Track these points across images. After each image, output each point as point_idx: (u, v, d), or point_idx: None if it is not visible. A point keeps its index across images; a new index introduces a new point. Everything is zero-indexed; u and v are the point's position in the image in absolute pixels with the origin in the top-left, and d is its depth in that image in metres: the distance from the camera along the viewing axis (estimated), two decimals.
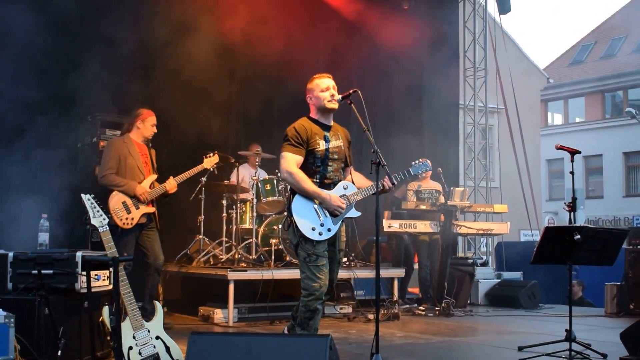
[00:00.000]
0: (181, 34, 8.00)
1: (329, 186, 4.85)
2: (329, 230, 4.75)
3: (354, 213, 4.93)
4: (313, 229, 4.70)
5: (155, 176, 6.81)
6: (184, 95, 8.34)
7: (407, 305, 9.00)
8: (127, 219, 6.55)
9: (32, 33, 6.95)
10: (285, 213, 4.89)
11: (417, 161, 5.24)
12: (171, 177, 6.83)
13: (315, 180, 4.81)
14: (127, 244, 6.58)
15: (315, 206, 4.74)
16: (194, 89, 8.37)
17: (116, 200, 6.53)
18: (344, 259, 8.10)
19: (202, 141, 8.47)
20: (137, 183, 6.59)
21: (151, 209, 6.73)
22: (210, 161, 7.27)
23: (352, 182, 4.94)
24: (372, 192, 4.83)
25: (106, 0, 8.14)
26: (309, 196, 4.74)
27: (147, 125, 6.84)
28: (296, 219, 4.71)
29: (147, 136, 6.86)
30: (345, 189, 4.88)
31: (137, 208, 6.61)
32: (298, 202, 4.75)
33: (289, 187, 5.09)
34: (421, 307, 8.75)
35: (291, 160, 4.75)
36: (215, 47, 8.26)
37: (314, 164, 4.83)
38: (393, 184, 4.84)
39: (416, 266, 9.50)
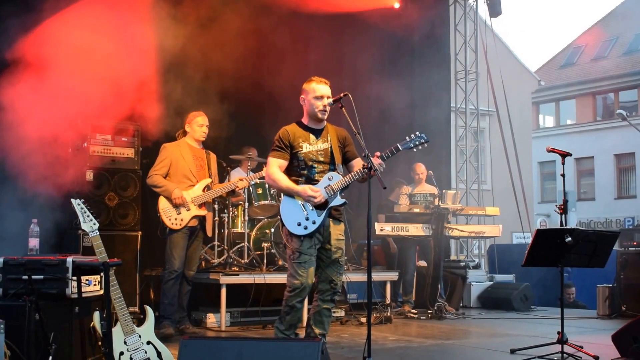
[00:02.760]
0: (172, 38, 7.97)
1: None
2: (313, 222, 4.86)
3: (338, 201, 4.98)
4: (298, 224, 4.86)
5: (208, 180, 6.83)
6: (176, 99, 8.31)
7: (399, 308, 8.99)
8: (176, 219, 6.60)
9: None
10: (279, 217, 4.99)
11: (410, 136, 5.12)
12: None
13: (301, 181, 4.95)
14: (175, 245, 6.62)
15: (300, 202, 4.88)
16: (185, 92, 8.34)
17: (166, 200, 6.60)
18: None
19: None
20: (175, 186, 6.60)
21: (202, 212, 6.73)
22: None
23: (338, 173, 5.00)
24: (357, 177, 4.91)
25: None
26: (286, 193, 4.92)
27: (194, 127, 6.86)
28: (283, 218, 4.89)
29: (198, 138, 6.87)
30: (330, 179, 4.97)
31: (189, 210, 6.62)
32: (285, 202, 4.93)
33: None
34: (414, 310, 8.74)
35: (273, 164, 4.95)
36: (206, 50, 8.24)
37: (299, 167, 4.98)
38: (384, 158, 4.84)
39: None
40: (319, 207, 4.88)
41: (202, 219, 6.82)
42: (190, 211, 6.66)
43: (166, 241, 6.73)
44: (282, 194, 5.02)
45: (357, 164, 5.14)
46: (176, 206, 6.60)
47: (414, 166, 9.31)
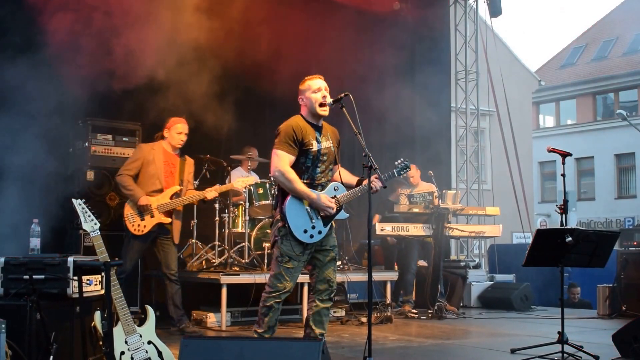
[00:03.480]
0: (172, 38, 7.97)
1: (317, 187, 4.87)
2: (319, 232, 4.79)
3: (342, 215, 4.98)
4: (305, 232, 4.75)
5: (177, 188, 6.77)
6: (176, 99, 8.31)
7: (399, 308, 9.00)
8: (139, 225, 6.60)
9: (23, 36, 6.94)
10: (274, 214, 4.93)
11: (399, 161, 5.23)
12: (217, 185, 7.02)
13: (303, 180, 4.84)
14: (130, 249, 6.62)
15: (307, 208, 4.78)
16: (186, 93, 8.35)
17: (132, 205, 6.60)
18: (337, 263, 8.10)
19: (195, 145, 8.46)
20: (143, 193, 6.59)
21: (166, 220, 6.71)
22: (243, 181, 7.29)
23: (342, 182, 4.96)
24: (361, 193, 4.87)
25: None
26: (299, 196, 4.77)
27: (172, 133, 6.83)
28: (289, 221, 4.74)
29: (175, 145, 6.84)
30: (335, 190, 4.91)
31: (152, 217, 6.62)
32: (291, 204, 4.77)
33: (276, 187, 5.12)
34: (414, 310, 8.75)
35: (284, 159, 4.77)
36: (207, 50, 8.24)
37: (304, 164, 4.85)
38: (384, 187, 4.86)
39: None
40: (325, 217, 4.82)
41: (167, 226, 6.78)
42: (153, 218, 6.64)
43: (126, 245, 6.73)
44: (286, 194, 4.81)
45: (339, 169, 5.07)
46: (140, 212, 6.60)
47: None
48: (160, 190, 6.70)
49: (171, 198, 6.71)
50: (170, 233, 6.79)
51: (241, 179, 7.33)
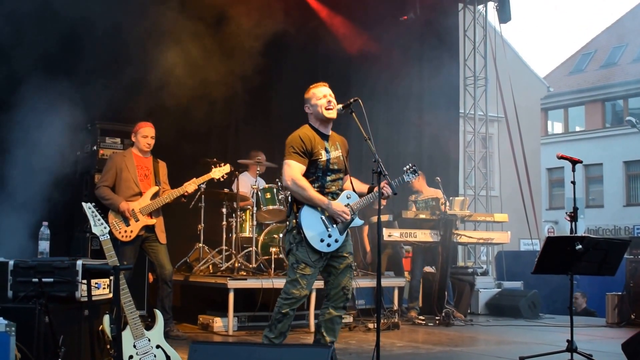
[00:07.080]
0: (179, 42, 7.99)
1: (327, 196, 4.85)
2: (336, 241, 4.78)
3: (357, 222, 4.96)
4: (322, 241, 4.73)
5: (156, 188, 6.78)
6: (184, 103, 8.34)
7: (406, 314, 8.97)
8: (125, 231, 6.60)
9: (32, 41, 6.97)
10: (287, 222, 4.90)
11: (407, 166, 5.23)
12: (194, 178, 6.87)
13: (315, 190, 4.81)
14: (124, 256, 6.59)
15: (323, 217, 4.77)
16: (194, 97, 8.37)
17: (114, 214, 6.60)
18: None
19: (202, 149, 8.47)
20: (121, 199, 6.60)
21: (151, 221, 6.72)
22: (219, 171, 7.19)
23: (354, 190, 4.94)
24: (373, 199, 4.86)
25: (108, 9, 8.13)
26: (313, 204, 4.75)
27: (138, 137, 6.85)
28: (305, 231, 4.72)
29: (142, 148, 6.84)
30: (348, 198, 4.90)
31: (137, 220, 6.62)
32: (306, 213, 4.76)
33: (289, 195, 5.09)
34: (421, 317, 8.72)
35: (296, 169, 4.77)
36: (214, 54, 8.27)
37: (314, 174, 4.85)
38: (395, 193, 4.85)
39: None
40: (341, 224, 4.81)
41: (152, 227, 6.77)
42: (139, 222, 6.65)
43: (116, 253, 6.72)
44: (300, 203, 4.80)
45: (350, 179, 5.08)
46: (125, 219, 6.60)
47: None
48: (139, 194, 6.71)
49: (152, 199, 6.72)
50: (154, 233, 6.79)
51: (217, 169, 7.23)
